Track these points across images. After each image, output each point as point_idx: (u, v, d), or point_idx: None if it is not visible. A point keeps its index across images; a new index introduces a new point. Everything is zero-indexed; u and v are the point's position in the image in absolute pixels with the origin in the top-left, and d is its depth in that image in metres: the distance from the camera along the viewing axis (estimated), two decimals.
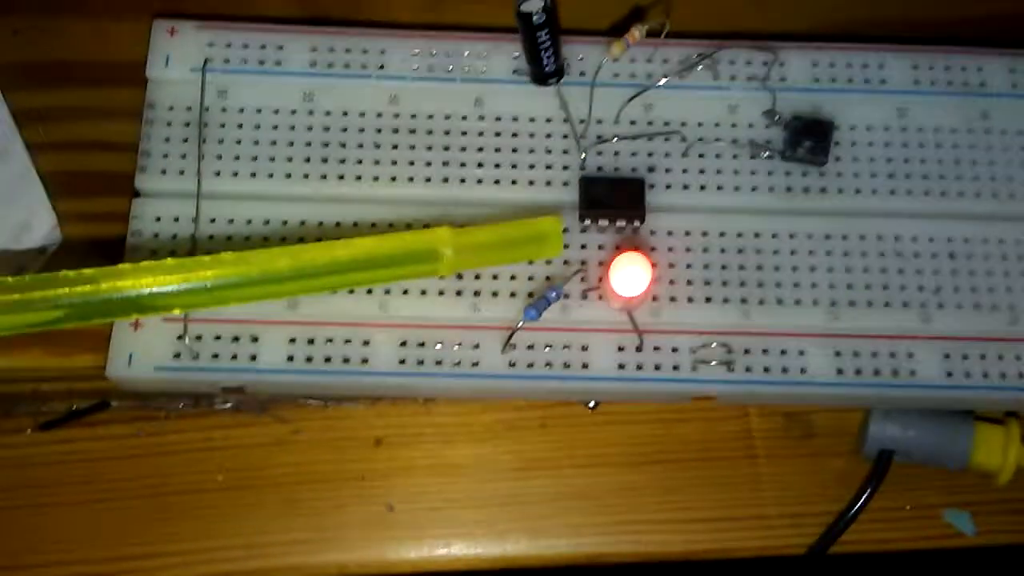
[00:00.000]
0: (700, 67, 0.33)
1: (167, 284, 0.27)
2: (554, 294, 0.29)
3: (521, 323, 0.29)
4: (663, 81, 0.33)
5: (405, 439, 0.33)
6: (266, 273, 0.28)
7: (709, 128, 0.33)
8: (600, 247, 0.31)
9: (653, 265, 0.30)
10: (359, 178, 0.32)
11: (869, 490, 0.32)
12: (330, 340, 0.30)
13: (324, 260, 0.28)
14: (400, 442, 0.33)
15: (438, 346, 0.30)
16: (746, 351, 0.31)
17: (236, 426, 0.32)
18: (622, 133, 0.32)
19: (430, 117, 0.32)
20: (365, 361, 0.30)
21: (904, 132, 0.33)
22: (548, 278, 0.31)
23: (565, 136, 0.32)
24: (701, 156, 0.32)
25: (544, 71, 0.31)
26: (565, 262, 0.31)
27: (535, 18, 0.29)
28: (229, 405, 0.32)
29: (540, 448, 0.33)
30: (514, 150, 0.32)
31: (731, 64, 0.33)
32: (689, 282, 0.31)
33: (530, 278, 0.31)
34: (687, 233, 0.32)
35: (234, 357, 0.30)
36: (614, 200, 0.31)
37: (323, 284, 0.28)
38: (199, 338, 0.30)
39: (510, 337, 0.30)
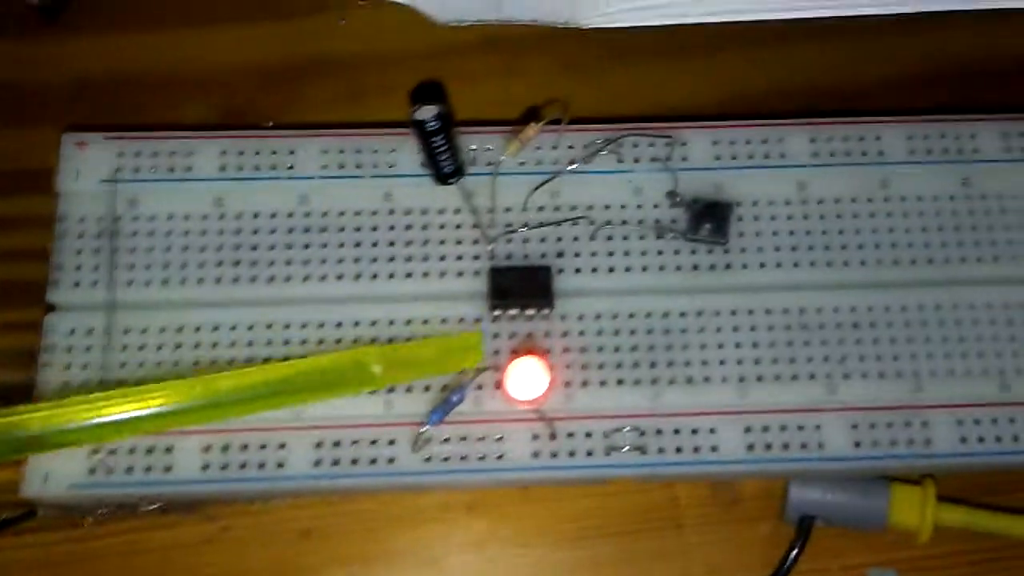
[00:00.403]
0: (604, 152, 0.33)
1: (77, 420, 0.27)
2: (456, 397, 0.30)
3: (427, 427, 0.30)
4: (570, 167, 0.33)
5: (332, 530, 0.33)
6: (183, 403, 0.28)
7: (615, 211, 0.33)
8: (512, 336, 0.32)
9: (552, 366, 0.31)
10: (271, 279, 0.32)
11: (794, 555, 0.32)
12: (245, 446, 0.30)
13: (251, 383, 0.29)
14: (328, 533, 0.33)
15: (353, 445, 0.31)
16: (658, 432, 0.31)
17: (164, 527, 0.33)
18: (530, 220, 0.33)
19: (341, 214, 0.33)
20: (281, 465, 0.30)
21: (805, 205, 0.33)
22: (462, 370, 0.31)
23: (475, 226, 0.33)
24: (609, 239, 0.33)
25: (443, 172, 0.32)
26: None
27: (429, 125, 0.29)
28: (155, 507, 0.33)
29: (468, 531, 0.33)
30: (425, 243, 0.33)
31: (634, 147, 0.34)
32: (600, 366, 0.32)
33: None
34: (597, 316, 0.32)
35: (148, 469, 0.30)
36: (523, 290, 0.32)
37: (251, 408, 0.29)
38: (113, 452, 0.30)
39: (416, 440, 0.30)
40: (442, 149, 0.31)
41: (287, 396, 0.29)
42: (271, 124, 0.35)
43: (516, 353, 0.31)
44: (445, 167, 0.31)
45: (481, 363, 0.31)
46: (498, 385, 0.31)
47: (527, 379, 0.30)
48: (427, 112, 0.29)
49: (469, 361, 0.31)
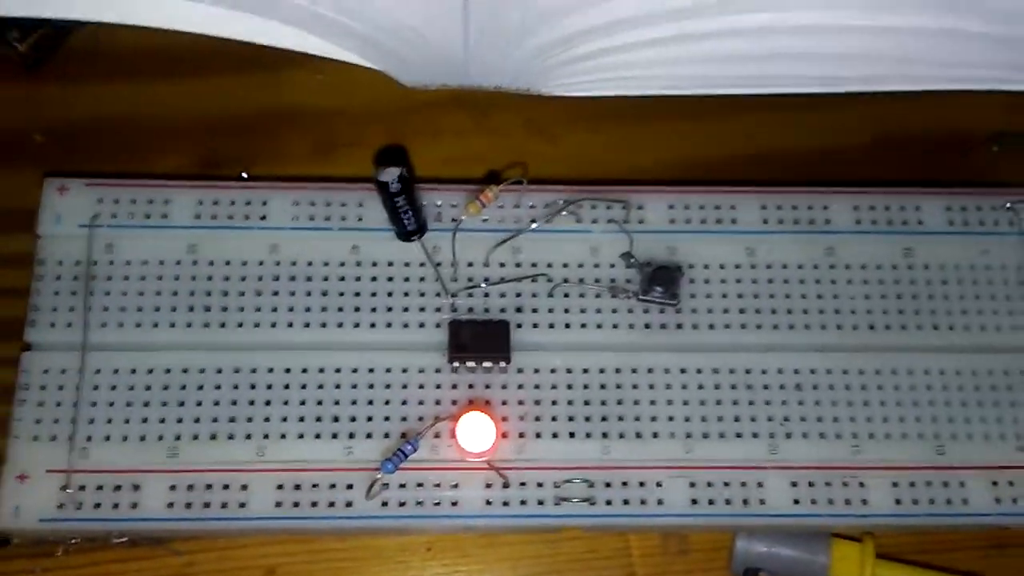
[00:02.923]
0: (564, 212, 0.35)
1: None
2: (410, 447, 0.31)
3: (380, 476, 0.31)
4: (533, 226, 0.35)
5: (297, 568, 0.34)
6: None
7: (573, 269, 0.35)
8: (470, 386, 0.33)
9: (504, 418, 0.32)
10: (240, 325, 0.33)
11: None
12: (209, 486, 0.32)
13: None
14: (293, 571, 0.34)
15: (313, 488, 0.32)
16: (607, 484, 0.32)
17: (132, 559, 0.33)
18: (491, 275, 0.34)
19: (309, 264, 0.34)
20: (243, 505, 0.31)
21: (753, 269, 0.35)
22: (420, 418, 0.33)
23: (437, 280, 0.34)
24: (565, 296, 0.34)
25: (406, 230, 0.33)
26: (437, 402, 0.33)
27: (391, 187, 0.31)
28: (124, 540, 0.34)
29: (427, 572, 0.34)
30: (389, 294, 0.34)
31: (592, 207, 0.35)
32: (554, 418, 0.33)
33: (402, 418, 0.33)
34: (552, 371, 0.34)
35: (115, 506, 0.31)
36: (481, 343, 0.33)
37: None
38: (82, 488, 0.31)
39: (371, 487, 0.31)
40: (404, 209, 0.32)
41: None
42: (244, 174, 0.36)
43: (467, 407, 0.32)
44: (408, 225, 0.33)
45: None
46: (454, 433, 0.32)
47: (476, 433, 0.31)
48: (390, 175, 0.31)
49: None
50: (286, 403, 0.33)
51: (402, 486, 0.32)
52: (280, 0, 0.29)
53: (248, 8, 0.29)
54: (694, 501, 0.32)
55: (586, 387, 0.33)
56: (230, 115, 0.38)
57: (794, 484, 0.33)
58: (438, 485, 0.32)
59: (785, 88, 0.32)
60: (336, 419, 0.33)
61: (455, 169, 0.37)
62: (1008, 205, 0.36)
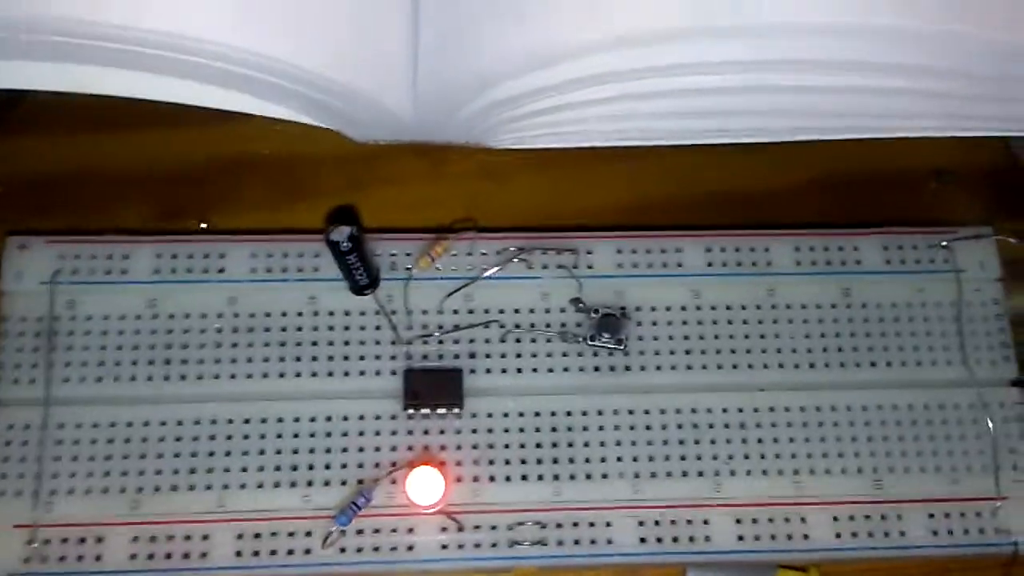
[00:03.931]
0: (515, 260, 0.36)
1: None
2: (363, 499, 0.32)
3: (334, 528, 0.32)
4: (487, 273, 0.36)
5: None
6: None
7: (524, 315, 0.36)
8: (425, 432, 0.34)
9: (458, 463, 0.33)
10: (200, 377, 0.34)
11: None
12: (171, 537, 0.32)
13: None
14: None
15: (272, 537, 0.33)
16: (558, 525, 0.33)
17: None
18: (444, 322, 0.35)
19: (267, 315, 0.35)
20: (204, 555, 0.32)
21: (699, 311, 0.36)
22: (377, 464, 0.34)
23: (392, 329, 0.35)
24: (517, 341, 0.35)
25: (359, 285, 0.34)
26: (393, 448, 0.34)
27: (342, 246, 0.32)
28: None
29: None
30: (346, 343, 0.35)
31: (543, 254, 0.36)
32: (507, 461, 0.34)
33: (359, 465, 0.34)
34: (505, 415, 0.35)
35: (80, 558, 0.32)
36: (435, 390, 0.34)
37: None
38: (47, 542, 0.32)
39: (325, 540, 0.32)
40: (356, 266, 0.33)
41: None
42: (203, 224, 0.37)
43: (421, 455, 0.33)
44: (360, 281, 0.34)
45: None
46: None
47: (426, 486, 0.32)
48: (340, 234, 0.32)
49: None
50: (245, 453, 0.34)
51: (359, 532, 0.33)
52: (229, 68, 0.30)
53: (193, 76, 0.30)
54: (643, 540, 0.33)
55: (537, 430, 0.34)
56: (189, 165, 0.38)
57: (738, 521, 0.34)
58: (394, 531, 0.33)
59: (731, 139, 0.33)
60: (295, 468, 0.34)
61: (412, 214, 0.37)
62: (944, 243, 0.37)
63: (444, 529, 0.33)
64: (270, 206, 0.38)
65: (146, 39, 0.28)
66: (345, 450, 0.34)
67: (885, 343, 0.36)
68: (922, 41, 0.30)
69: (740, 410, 0.35)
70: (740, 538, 0.34)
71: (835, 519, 0.34)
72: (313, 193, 0.38)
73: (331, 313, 0.35)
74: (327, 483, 0.33)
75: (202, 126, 0.38)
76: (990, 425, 0.35)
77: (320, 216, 0.37)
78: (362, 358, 0.35)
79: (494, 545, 0.33)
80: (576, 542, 0.33)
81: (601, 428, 0.35)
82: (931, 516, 0.34)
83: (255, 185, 0.39)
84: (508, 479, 0.34)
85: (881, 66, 0.31)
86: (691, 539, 0.34)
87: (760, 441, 0.35)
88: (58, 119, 0.38)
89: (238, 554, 0.33)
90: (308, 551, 0.33)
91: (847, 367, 0.36)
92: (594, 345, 0.35)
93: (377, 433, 0.34)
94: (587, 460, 0.34)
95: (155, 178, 0.38)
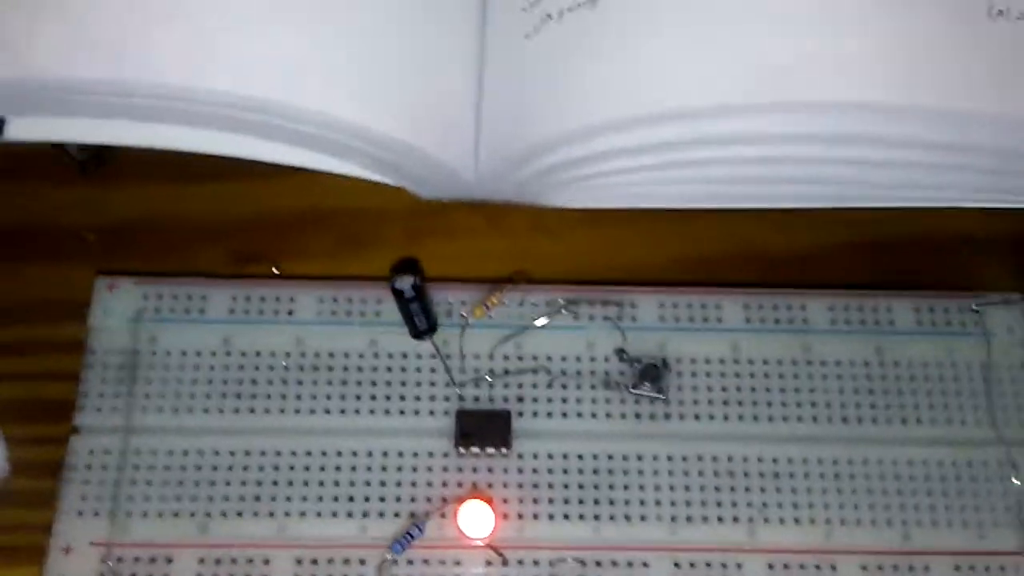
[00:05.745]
0: (562, 311, 0.38)
1: None
2: (417, 530, 0.34)
3: (388, 556, 0.34)
4: (536, 323, 0.38)
5: None
6: None
7: (570, 363, 0.38)
8: (475, 470, 0.36)
9: (505, 500, 0.35)
10: (268, 411, 0.37)
11: None
12: (234, 560, 0.35)
13: None
14: None
15: (329, 563, 0.35)
16: (597, 563, 0.35)
17: None
18: (496, 368, 0.38)
19: (331, 355, 0.38)
20: None
21: (737, 364, 0.38)
22: (428, 499, 0.36)
23: (446, 371, 0.38)
24: (563, 388, 0.38)
25: (418, 330, 0.37)
26: (444, 484, 0.36)
27: (406, 294, 0.34)
28: None
29: None
30: (403, 384, 0.38)
31: (589, 306, 0.39)
32: (550, 501, 0.36)
33: (412, 499, 0.36)
34: (549, 456, 0.37)
35: None
36: (485, 431, 0.36)
37: None
38: (120, 560, 0.35)
39: (381, 566, 0.34)
40: (417, 312, 0.36)
41: None
42: (275, 269, 0.40)
43: (471, 492, 0.35)
44: (420, 326, 0.37)
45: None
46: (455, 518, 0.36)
47: (477, 519, 0.34)
48: (405, 283, 0.34)
49: None
50: (307, 484, 0.36)
51: (410, 563, 0.35)
52: (313, 132, 0.32)
53: (280, 138, 0.33)
54: None
55: (580, 472, 0.37)
56: (264, 214, 0.41)
57: (771, 566, 0.35)
58: (443, 563, 0.35)
59: (777, 204, 0.35)
60: (351, 499, 0.36)
61: (468, 265, 0.40)
62: (974, 307, 0.39)
63: (489, 563, 0.35)
64: (336, 254, 0.41)
65: (246, 103, 0.31)
66: (399, 484, 0.36)
67: (916, 401, 0.38)
68: (973, 121, 0.32)
69: (775, 460, 0.37)
70: None
71: (863, 568, 0.36)
72: (376, 243, 0.41)
73: (390, 355, 0.38)
74: (382, 515, 0.36)
75: (276, 179, 0.42)
76: (1016, 482, 0.36)
77: (382, 265, 0.40)
78: (418, 398, 0.37)
79: None
80: None
81: (641, 472, 0.37)
82: (957, 568, 0.36)
83: (323, 234, 0.42)
84: (551, 517, 0.36)
85: (930, 143, 0.32)
86: None
87: (793, 491, 0.36)
88: (143, 171, 0.42)
89: None
90: None
91: (878, 423, 0.37)
92: (636, 393, 0.37)
93: (429, 469, 0.36)
94: (627, 502, 0.36)
95: (232, 226, 0.41)
